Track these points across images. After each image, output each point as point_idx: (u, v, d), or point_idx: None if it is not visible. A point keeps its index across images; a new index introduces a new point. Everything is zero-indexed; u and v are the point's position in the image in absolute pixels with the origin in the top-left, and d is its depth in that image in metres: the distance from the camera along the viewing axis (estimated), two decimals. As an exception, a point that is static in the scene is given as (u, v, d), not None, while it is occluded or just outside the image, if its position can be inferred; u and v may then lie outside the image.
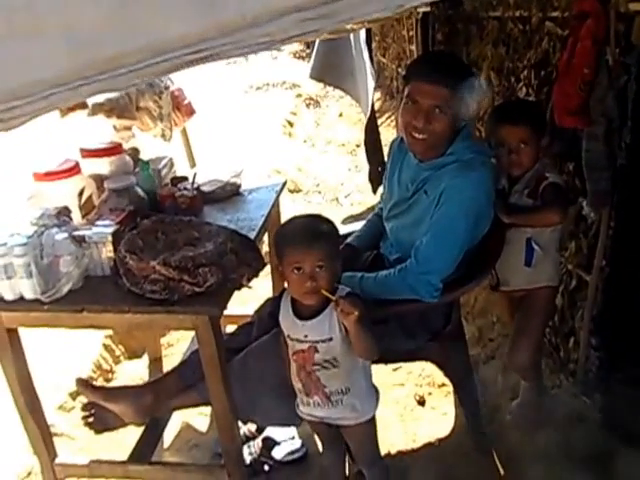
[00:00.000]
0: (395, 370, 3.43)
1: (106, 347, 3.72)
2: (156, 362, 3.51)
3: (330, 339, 2.01)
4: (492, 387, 3.20)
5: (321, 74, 5.74)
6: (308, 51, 12.69)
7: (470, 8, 4.25)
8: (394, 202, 2.54)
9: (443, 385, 3.29)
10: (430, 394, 3.28)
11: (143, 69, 0.84)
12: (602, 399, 2.84)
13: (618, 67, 2.44)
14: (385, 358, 2.71)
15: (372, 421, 2.24)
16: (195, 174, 2.98)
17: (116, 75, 0.83)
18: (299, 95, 10.14)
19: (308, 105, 9.86)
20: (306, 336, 2.04)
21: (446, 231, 2.27)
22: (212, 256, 2.23)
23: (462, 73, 2.33)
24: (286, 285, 2.08)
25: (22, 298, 2.22)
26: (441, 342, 2.58)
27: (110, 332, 3.79)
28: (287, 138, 8.14)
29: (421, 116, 2.24)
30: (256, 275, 2.30)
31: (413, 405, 3.23)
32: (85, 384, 2.60)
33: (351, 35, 4.91)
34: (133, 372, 3.61)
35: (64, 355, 3.52)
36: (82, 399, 3.07)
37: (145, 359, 3.65)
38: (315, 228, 2.01)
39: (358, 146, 7.45)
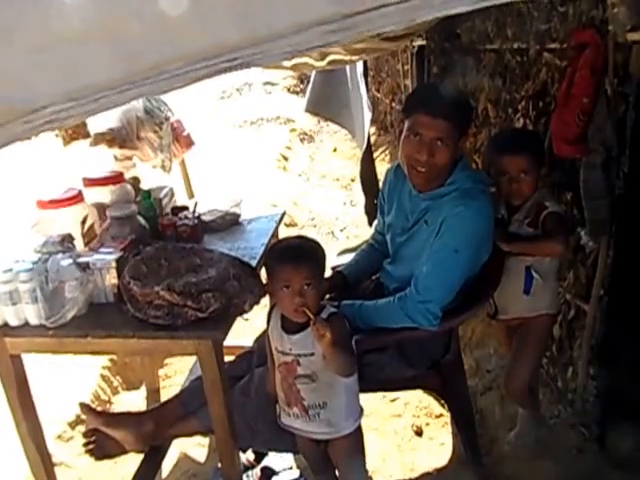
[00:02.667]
0: (393, 401, 3.44)
1: (104, 378, 3.71)
2: (154, 394, 3.49)
3: (312, 354, 2.10)
4: (490, 418, 3.20)
5: (316, 107, 5.80)
6: (302, 86, 12.81)
7: (467, 40, 4.30)
8: (394, 232, 2.56)
9: (441, 415, 3.29)
10: (428, 424, 3.28)
11: (182, 75, 0.90)
12: (600, 429, 2.83)
13: (617, 97, 2.47)
14: (384, 386, 2.74)
15: (353, 439, 2.27)
16: (196, 203, 3.00)
17: (159, 80, 0.89)
18: (293, 130, 10.22)
19: (302, 140, 9.93)
20: (290, 349, 2.14)
21: (446, 261, 2.28)
22: (215, 282, 2.25)
23: (462, 105, 2.38)
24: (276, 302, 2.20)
25: (26, 324, 2.23)
26: (440, 371, 2.59)
27: (108, 363, 3.78)
28: (282, 172, 8.18)
29: (424, 149, 2.26)
30: (258, 302, 2.32)
31: (411, 435, 3.22)
32: (88, 408, 2.61)
33: (347, 68, 4.96)
34: (131, 403, 3.59)
35: (62, 385, 3.50)
36: (81, 429, 3.07)
37: (143, 390, 3.63)
38: (303, 248, 2.14)
39: (353, 180, 7.51)
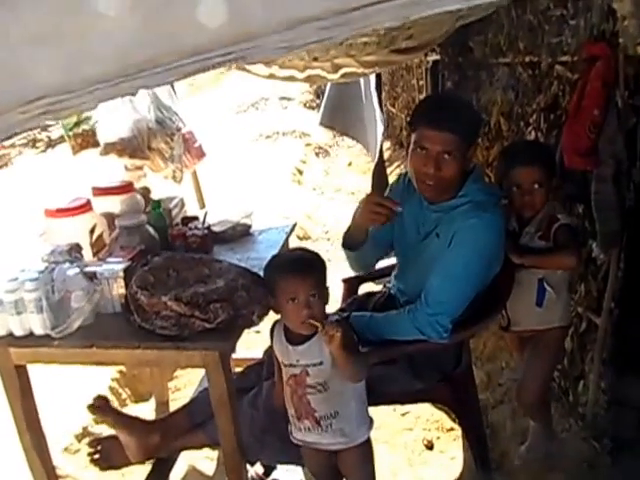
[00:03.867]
0: (403, 415, 3.40)
1: (112, 390, 3.69)
2: (163, 406, 3.47)
3: (320, 363, 2.08)
4: (501, 432, 3.16)
5: (331, 121, 5.82)
6: (318, 101, 12.81)
7: (480, 55, 4.30)
8: (404, 244, 2.54)
9: (451, 429, 3.25)
10: (438, 438, 3.24)
11: (176, 69, 0.91)
12: (612, 443, 2.79)
13: (627, 109, 2.47)
14: (394, 399, 2.71)
15: (364, 449, 2.25)
16: (206, 214, 3.01)
17: (153, 74, 0.90)
18: (308, 144, 10.20)
19: (317, 154, 9.91)
20: (298, 360, 2.11)
21: (458, 273, 2.26)
22: (223, 292, 2.24)
23: (468, 115, 2.36)
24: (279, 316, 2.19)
25: (31, 334, 2.21)
26: (451, 384, 2.57)
27: (117, 375, 3.77)
28: (296, 186, 8.17)
29: (431, 163, 2.24)
30: (266, 313, 2.30)
31: (421, 449, 3.19)
32: (104, 401, 2.59)
33: (361, 81, 4.97)
34: (140, 416, 3.57)
35: (70, 397, 3.49)
36: (87, 440, 3.06)
37: (152, 403, 3.61)
38: (305, 259, 2.14)
39: (367, 195, 7.48)
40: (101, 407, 2.57)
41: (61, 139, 10.69)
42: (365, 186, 7.80)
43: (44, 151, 10.89)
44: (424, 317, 2.27)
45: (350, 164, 9.26)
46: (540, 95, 3.37)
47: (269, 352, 2.65)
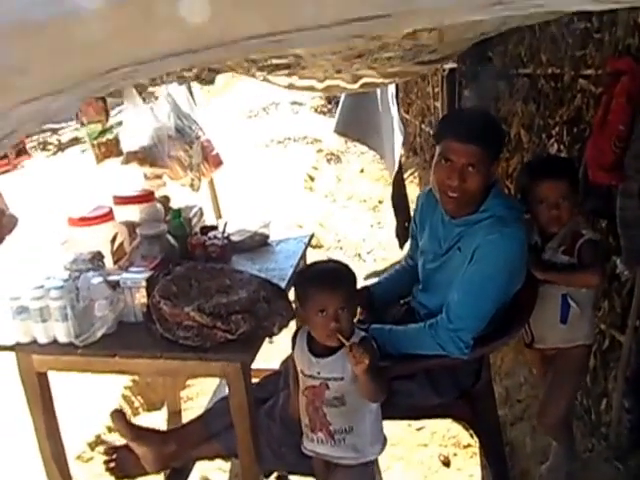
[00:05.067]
0: (419, 430, 3.36)
1: (125, 398, 3.68)
2: (175, 415, 3.47)
3: (341, 378, 2.08)
4: (521, 450, 3.12)
5: (345, 129, 5.79)
6: (330, 106, 12.82)
7: (500, 65, 4.28)
8: (426, 258, 2.52)
9: (469, 446, 3.22)
10: (455, 455, 3.20)
11: (235, 48, 1.01)
12: (635, 464, 2.75)
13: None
14: (411, 414, 2.68)
15: (369, 468, 2.24)
16: (226, 223, 3.00)
17: (217, 52, 1.02)
18: (320, 150, 10.19)
19: (329, 160, 9.89)
20: (319, 373, 2.11)
21: (479, 289, 2.24)
22: (245, 304, 2.24)
23: (494, 130, 2.35)
24: (307, 327, 2.17)
25: (55, 341, 2.22)
26: (470, 399, 2.53)
27: (129, 383, 3.76)
28: (308, 192, 8.16)
29: (455, 175, 2.23)
30: (286, 325, 2.31)
31: (438, 466, 3.15)
32: (121, 416, 2.58)
33: (377, 90, 4.95)
34: (152, 425, 3.54)
35: (82, 404, 3.48)
36: (101, 449, 3.04)
37: (164, 412, 3.60)
38: (336, 272, 2.14)
39: (380, 202, 7.46)
40: (120, 421, 2.57)
41: (71, 142, 10.72)
42: (377, 193, 7.80)
43: (55, 154, 10.90)
44: (445, 332, 2.25)
45: (362, 171, 9.24)
46: (562, 108, 3.35)
47: (286, 363, 2.65)
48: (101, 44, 0.80)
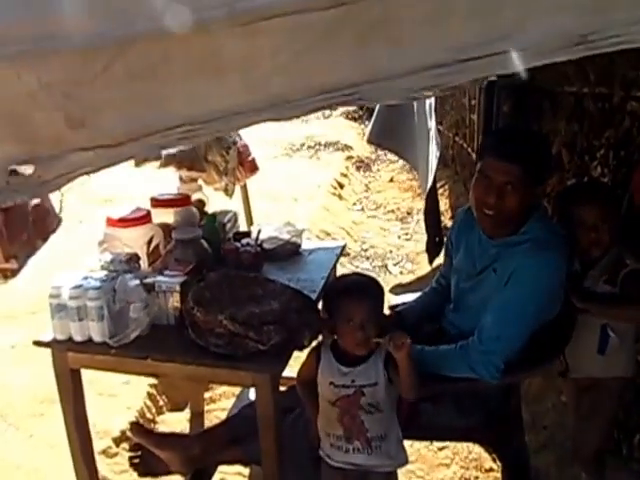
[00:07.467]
0: (441, 449, 3.32)
1: (150, 396, 3.70)
2: (198, 416, 3.48)
3: (376, 384, 2.13)
4: (544, 478, 3.04)
5: (379, 139, 5.75)
6: (361, 112, 12.76)
7: (542, 80, 4.19)
8: (459, 277, 2.51)
9: (491, 470, 3.16)
10: (477, 478, 3.15)
11: (304, 105, 0.98)
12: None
13: None
14: (435, 435, 2.67)
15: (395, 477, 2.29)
16: (259, 231, 3.00)
17: (282, 109, 0.97)
18: (350, 157, 10.13)
19: (359, 168, 9.82)
20: (353, 381, 2.14)
21: (514, 313, 2.22)
22: (277, 314, 2.25)
23: (537, 150, 2.32)
24: (329, 342, 2.25)
25: (90, 340, 2.26)
26: (496, 424, 2.50)
27: (155, 381, 3.77)
28: (336, 200, 8.12)
29: (492, 192, 2.22)
30: (316, 337, 2.32)
31: (458, 488, 3.11)
32: (138, 428, 2.61)
33: (414, 101, 4.90)
34: (175, 424, 3.57)
35: (108, 400, 3.51)
36: (126, 445, 3.06)
37: (187, 412, 3.62)
38: (364, 284, 2.22)
39: (409, 213, 7.41)
40: (139, 432, 2.60)
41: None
42: (406, 204, 7.75)
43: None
44: (476, 355, 2.23)
45: (392, 180, 9.16)
46: (610, 129, 3.28)
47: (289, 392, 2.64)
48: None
